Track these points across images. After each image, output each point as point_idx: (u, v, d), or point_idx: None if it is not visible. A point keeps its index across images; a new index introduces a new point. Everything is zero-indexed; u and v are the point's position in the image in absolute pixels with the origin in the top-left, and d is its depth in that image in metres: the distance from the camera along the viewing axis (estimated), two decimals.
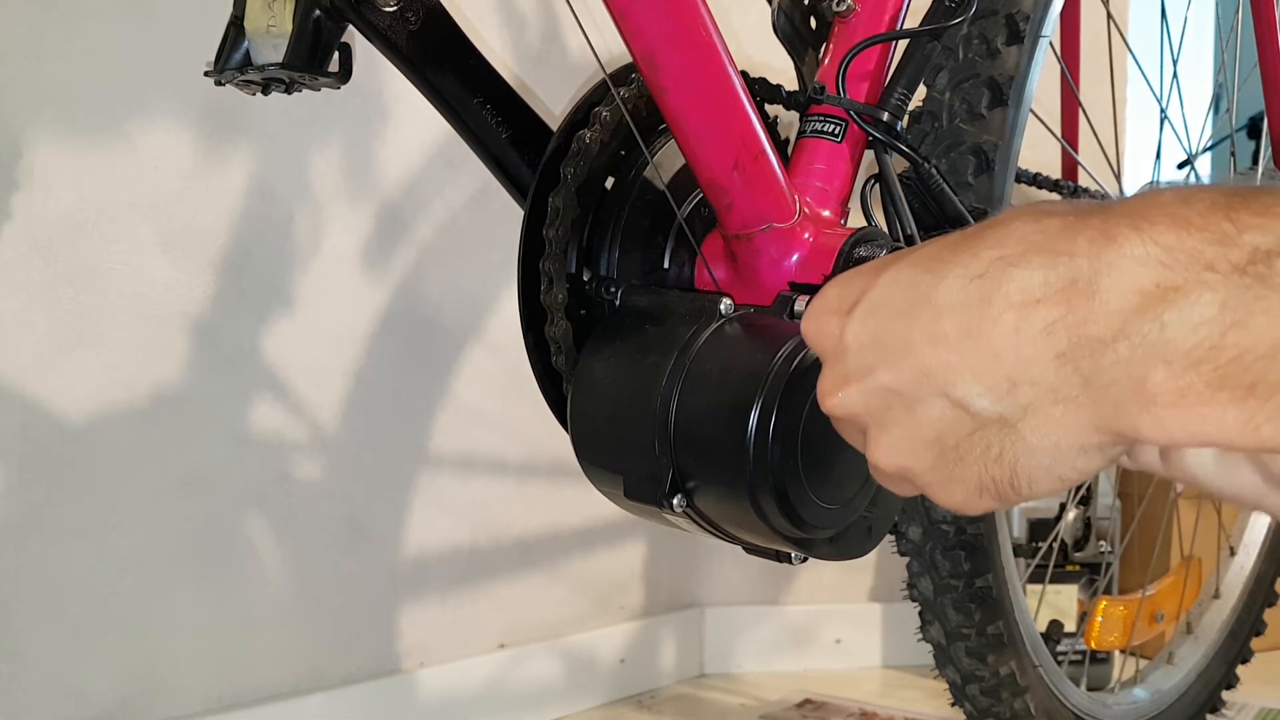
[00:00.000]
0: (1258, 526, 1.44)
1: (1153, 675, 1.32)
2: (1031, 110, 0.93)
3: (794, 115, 0.75)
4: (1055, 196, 1.34)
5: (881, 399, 0.40)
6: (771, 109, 0.74)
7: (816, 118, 0.73)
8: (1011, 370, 0.36)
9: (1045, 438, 0.36)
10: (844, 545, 0.63)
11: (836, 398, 0.42)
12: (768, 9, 0.78)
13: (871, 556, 1.43)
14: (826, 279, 0.65)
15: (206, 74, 0.68)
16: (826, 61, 0.76)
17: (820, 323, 0.43)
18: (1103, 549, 1.51)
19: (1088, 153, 1.33)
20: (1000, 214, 0.38)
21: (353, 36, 0.66)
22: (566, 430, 0.66)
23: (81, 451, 1.04)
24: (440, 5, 0.65)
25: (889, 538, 0.99)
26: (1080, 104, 1.28)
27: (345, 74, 0.67)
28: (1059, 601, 1.47)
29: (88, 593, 1.05)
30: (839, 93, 0.69)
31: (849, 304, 0.41)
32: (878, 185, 0.70)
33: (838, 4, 0.76)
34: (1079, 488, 1.47)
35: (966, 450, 0.38)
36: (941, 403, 0.38)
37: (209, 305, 1.11)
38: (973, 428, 0.38)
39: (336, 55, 0.66)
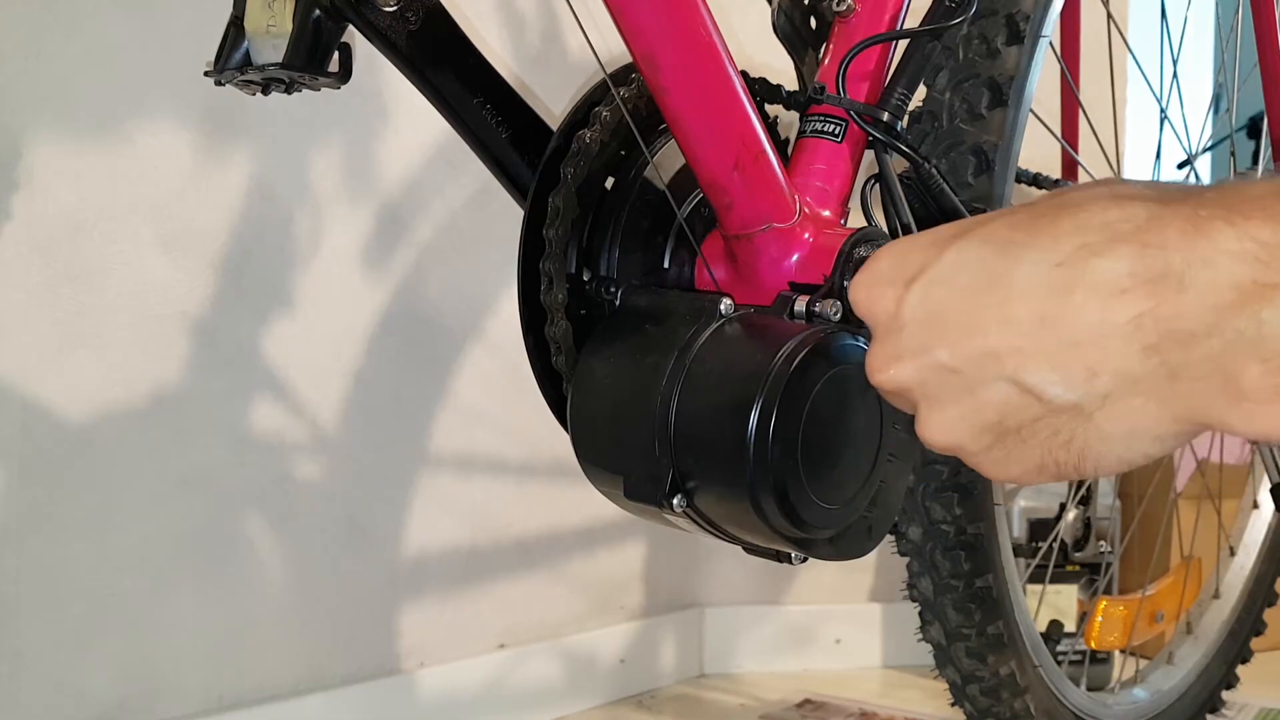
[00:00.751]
0: (1258, 526, 1.44)
1: (1153, 675, 1.32)
2: (1031, 110, 0.93)
3: (794, 115, 0.75)
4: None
5: (937, 377, 0.39)
6: (771, 109, 0.74)
7: (816, 118, 0.73)
8: (1093, 360, 0.35)
9: (1122, 426, 0.36)
10: (844, 545, 0.63)
11: (888, 373, 0.41)
12: (768, 9, 0.78)
13: (871, 556, 1.43)
14: (827, 279, 0.65)
15: (206, 74, 0.68)
16: (826, 61, 0.76)
17: (873, 292, 0.41)
18: (1103, 549, 1.51)
19: (1088, 153, 1.33)
20: (1073, 191, 0.37)
21: (353, 36, 0.66)
22: (566, 430, 0.66)
23: (81, 451, 1.04)
24: (440, 5, 0.65)
25: (889, 538, 0.99)
26: (1080, 104, 1.28)
27: (345, 74, 0.67)
28: (1059, 601, 1.47)
29: (88, 593, 1.05)
30: (839, 93, 0.69)
31: (907, 276, 0.40)
32: (878, 185, 0.70)
33: (838, 4, 0.76)
34: (1079, 488, 1.47)
35: (1031, 434, 0.38)
36: (1007, 387, 0.37)
37: (209, 305, 1.11)
38: (1041, 413, 0.37)
39: (336, 55, 0.66)
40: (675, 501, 0.60)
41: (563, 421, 0.67)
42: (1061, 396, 0.36)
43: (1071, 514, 1.50)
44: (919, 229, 0.70)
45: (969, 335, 0.37)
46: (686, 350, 0.61)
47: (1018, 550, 1.42)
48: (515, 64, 1.34)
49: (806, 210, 0.67)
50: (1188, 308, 0.33)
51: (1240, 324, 0.32)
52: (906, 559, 1.01)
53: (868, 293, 0.42)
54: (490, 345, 1.33)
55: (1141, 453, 0.36)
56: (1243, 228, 0.33)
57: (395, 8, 0.63)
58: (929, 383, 0.39)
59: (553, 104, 0.76)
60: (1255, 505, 1.46)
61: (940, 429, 0.40)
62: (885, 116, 0.71)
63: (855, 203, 0.73)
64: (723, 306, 0.62)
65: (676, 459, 0.60)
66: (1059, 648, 1.43)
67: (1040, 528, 1.51)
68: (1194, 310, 0.33)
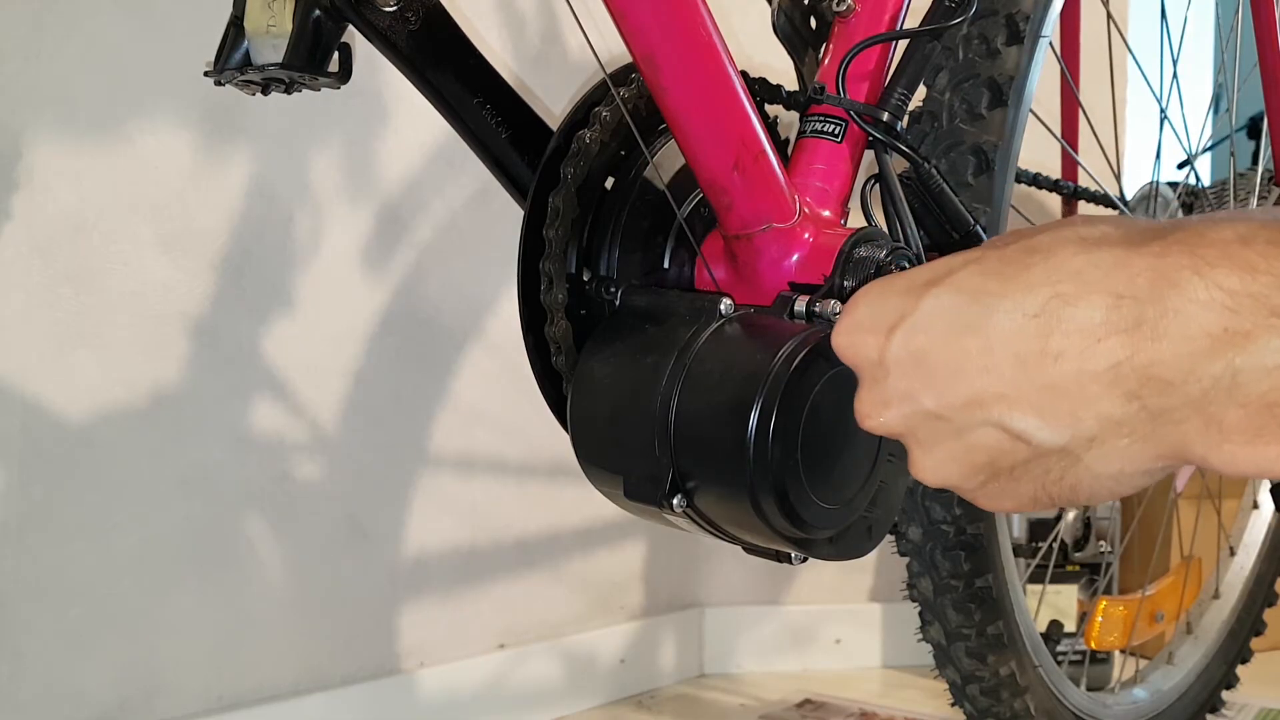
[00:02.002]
0: (1258, 526, 1.44)
1: (1153, 675, 1.32)
2: (1031, 110, 0.93)
3: (794, 115, 0.75)
4: (1055, 196, 1.34)
5: (925, 423, 0.40)
6: (771, 109, 0.74)
7: (816, 118, 0.73)
8: (1075, 405, 0.36)
9: (1110, 466, 0.37)
10: (844, 545, 0.63)
11: (878, 420, 0.42)
12: (768, 9, 0.78)
13: (871, 556, 1.43)
14: (827, 279, 0.65)
15: (206, 74, 0.68)
16: (826, 61, 0.76)
17: (854, 339, 0.42)
18: (1103, 549, 1.51)
19: (1088, 153, 1.33)
20: (1039, 235, 0.37)
21: (353, 36, 0.66)
22: (566, 430, 0.66)
23: (81, 451, 1.04)
24: (440, 5, 0.65)
25: (889, 538, 0.99)
26: (1080, 104, 1.28)
27: (345, 74, 0.67)
28: (1059, 601, 1.47)
29: (88, 593, 1.05)
30: (839, 93, 0.69)
31: (886, 324, 0.41)
32: (878, 185, 0.70)
33: (838, 4, 0.76)
34: None
35: (1023, 473, 0.39)
36: (995, 432, 0.38)
37: (209, 305, 1.11)
38: (1030, 455, 0.38)
39: (336, 55, 0.66)
40: (675, 501, 0.60)
41: (563, 421, 0.67)
42: (1049, 440, 0.37)
43: (1071, 514, 1.50)
44: (919, 229, 0.70)
45: (952, 383, 0.38)
46: (686, 350, 0.61)
47: (1018, 550, 1.42)
48: (515, 64, 1.34)
49: (806, 210, 0.67)
50: (1163, 356, 0.34)
51: (1215, 371, 0.33)
52: (906, 559, 1.01)
53: (849, 340, 0.43)
54: (490, 345, 1.33)
55: (1131, 485, 0.37)
56: (1209, 276, 0.33)
57: (395, 8, 0.63)
58: (918, 429, 0.41)
59: (553, 104, 0.76)
60: (1255, 505, 1.46)
61: (932, 470, 0.41)
62: (885, 116, 0.71)
63: (855, 203, 0.73)
64: (723, 306, 0.62)
65: (676, 459, 0.60)
66: (1059, 648, 1.43)
67: (1040, 528, 1.51)
68: (1170, 359, 0.34)
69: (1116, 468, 0.37)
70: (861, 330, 0.42)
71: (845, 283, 0.64)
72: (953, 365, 0.38)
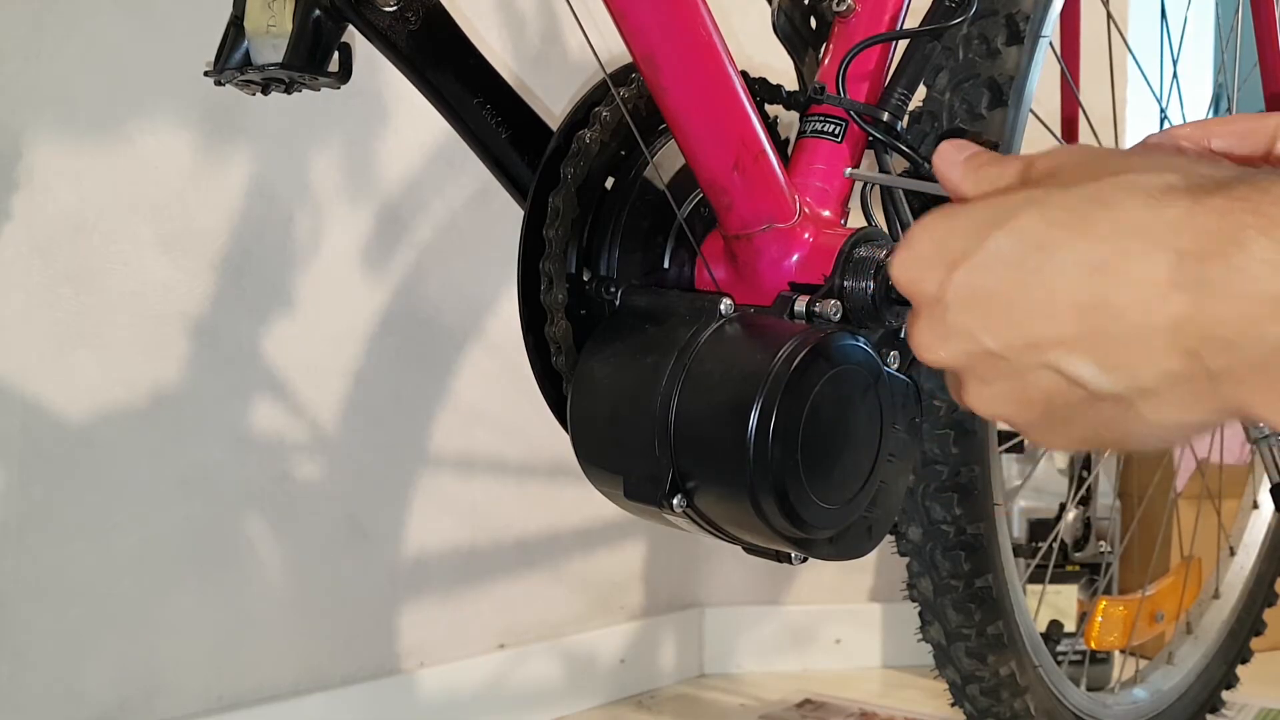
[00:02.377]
0: (1258, 526, 1.44)
1: (1153, 675, 1.32)
2: (1031, 110, 0.93)
3: (794, 115, 0.75)
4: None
5: (983, 360, 0.40)
6: (771, 109, 0.74)
7: (816, 118, 0.73)
8: (1134, 358, 0.36)
9: (1165, 416, 0.37)
10: (844, 545, 0.63)
11: (936, 353, 0.42)
12: (768, 9, 0.78)
13: (871, 556, 1.43)
14: (827, 279, 0.65)
15: (206, 74, 0.68)
16: (826, 61, 0.76)
17: (913, 273, 0.42)
18: (1103, 549, 1.51)
19: None
20: (1104, 182, 0.37)
21: (353, 36, 0.66)
22: (566, 430, 0.66)
23: (81, 451, 1.04)
24: (440, 5, 0.65)
25: (889, 538, 0.99)
26: (1080, 104, 1.28)
27: (345, 74, 0.67)
28: (1059, 601, 1.47)
29: (88, 593, 1.05)
30: (839, 93, 0.69)
31: (947, 260, 0.40)
32: (878, 185, 0.70)
33: (838, 4, 0.76)
34: (1078, 488, 1.47)
35: (1077, 414, 0.39)
36: (1052, 375, 0.38)
37: (209, 305, 1.11)
38: (1085, 400, 0.38)
39: (336, 55, 0.66)
40: (675, 501, 0.60)
41: (563, 422, 0.67)
42: (1106, 387, 0.37)
43: (1071, 514, 1.50)
44: None
45: (1013, 325, 0.39)
46: (686, 350, 0.61)
47: (1018, 550, 1.42)
48: (515, 64, 1.34)
49: (806, 210, 0.67)
50: (1226, 316, 0.34)
51: (1277, 332, 0.33)
52: (906, 559, 1.01)
53: (910, 273, 0.42)
54: (490, 345, 1.33)
55: (1184, 436, 0.38)
56: (1274, 235, 0.33)
57: (395, 8, 0.63)
58: (975, 365, 0.41)
59: (553, 104, 0.76)
60: (1255, 505, 1.46)
61: (986, 403, 0.41)
62: (885, 116, 0.71)
63: (855, 203, 0.73)
64: (723, 306, 0.62)
65: (676, 459, 0.60)
66: (1059, 648, 1.43)
67: (1040, 528, 1.51)
68: (1232, 319, 0.34)
69: (1172, 419, 0.37)
70: (922, 263, 0.42)
71: (845, 283, 0.64)
72: (1014, 308, 0.38)
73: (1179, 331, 0.35)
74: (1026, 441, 1.50)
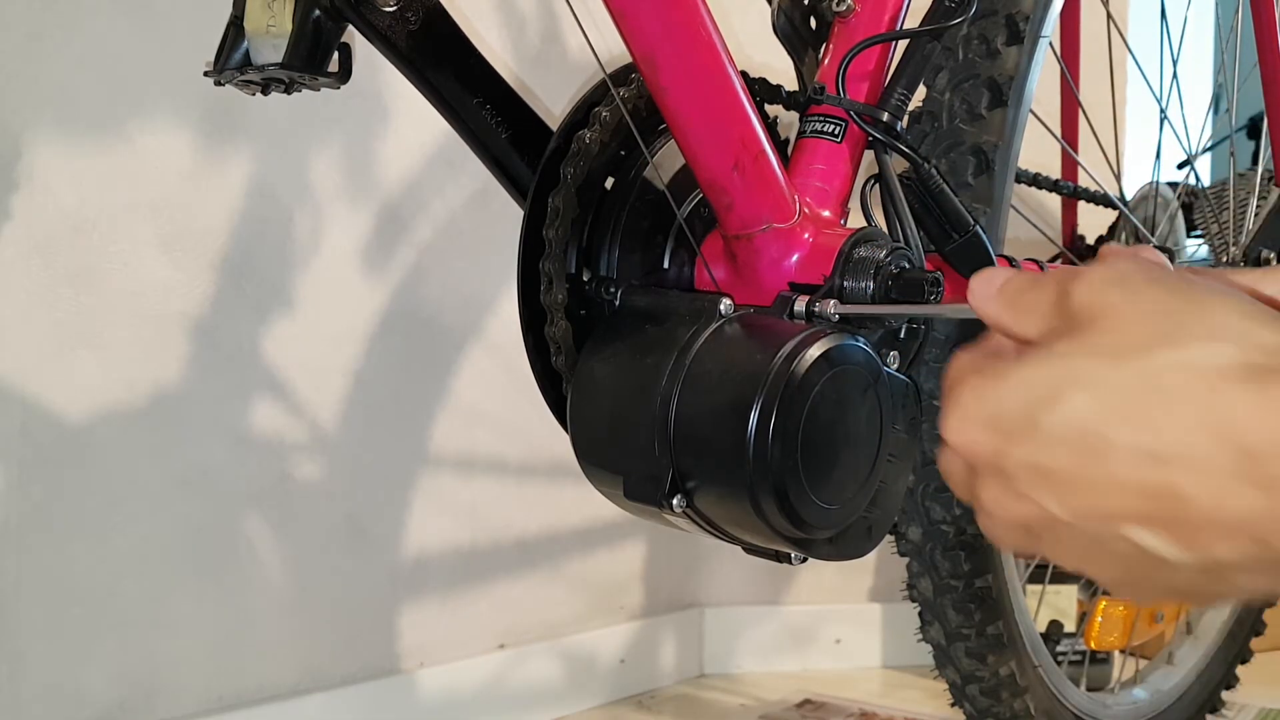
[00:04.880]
0: None
1: (1152, 675, 1.32)
2: (1031, 110, 0.93)
3: (794, 115, 0.75)
4: (1055, 197, 1.34)
5: (1053, 525, 0.39)
6: (771, 109, 0.74)
7: (816, 118, 0.73)
8: (1209, 541, 0.36)
9: (1246, 584, 0.37)
10: (844, 545, 0.63)
11: (1003, 516, 0.41)
12: (768, 9, 0.78)
13: (871, 557, 1.43)
14: (826, 279, 0.65)
15: (206, 74, 0.68)
16: (826, 61, 0.76)
17: (969, 438, 0.41)
18: None
19: (1088, 153, 1.33)
20: (1155, 355, 0.36)
21: (353, 36, 0.66)
22: (566, 430, 0.66)
23: (81, 451, 1.04)
24: (440, 5, 0.65)
25: (889, 538, 0.99)
26: (1080, 104, 1.28)
27: (345, 74, 0.67)
28: (1059, 601, 1.47)
29: (88, 593, 1.05)
30: (839, 93, 0.69)
31: (1003, 430, 0.39)
32: (878, 185, 0.70)
33: (838, 4, 0.76)
34: None
35: (1159, 576, 0.38)
36: (1126, 545, 0.38)
37: (209, 305, 1.11)
38: (1165, 565, 0.37)
39: (336, 55, 0.66)
40: (675, 502, 0.60)
41: (562, 422, 0.67)
42: (1183, 561, 0.37)
43: None
44: (919, 229, 0.70)
45: (1082, 501, 0.38)
46: (686, 350, 0.61)
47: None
48: (515, 64, 1.34)
49: (806, 210, 0.67)
50: None
51: None
52: (906, 559, 1.01)
53: (963, 437, 0.41)
54: (490, 345, 1.33)
55: (1267, 595, 0.38)
56: None
57: (395, 8, 0.63)
58: (1045, 529, 0.40)
59: (553, 104, 0.76)
60: None
61: (1063, 558, 0.41)
62: (885, 116, 0.71)
63: (855, 203, 0.73)
64: (722, 307, 0.62)
65: (676, 459, 0.60)
66: (1059, 648, 1.43)
67: None
68: None
69: (1253, 586, 0.37)
70: (975, 428, 0.40)
71: (845, 283, 0.64)
72: (1080, 486, 0.37)
73: (1253, 525, 0.34)
74: None
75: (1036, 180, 1.21)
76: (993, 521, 0.42)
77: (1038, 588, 1.42)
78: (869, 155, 0.73)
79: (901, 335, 0.69)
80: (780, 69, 0.81)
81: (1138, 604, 0.41)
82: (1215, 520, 0.35)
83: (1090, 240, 1.44)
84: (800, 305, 0.62)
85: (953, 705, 1.08)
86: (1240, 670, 1.37)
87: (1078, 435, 0.37)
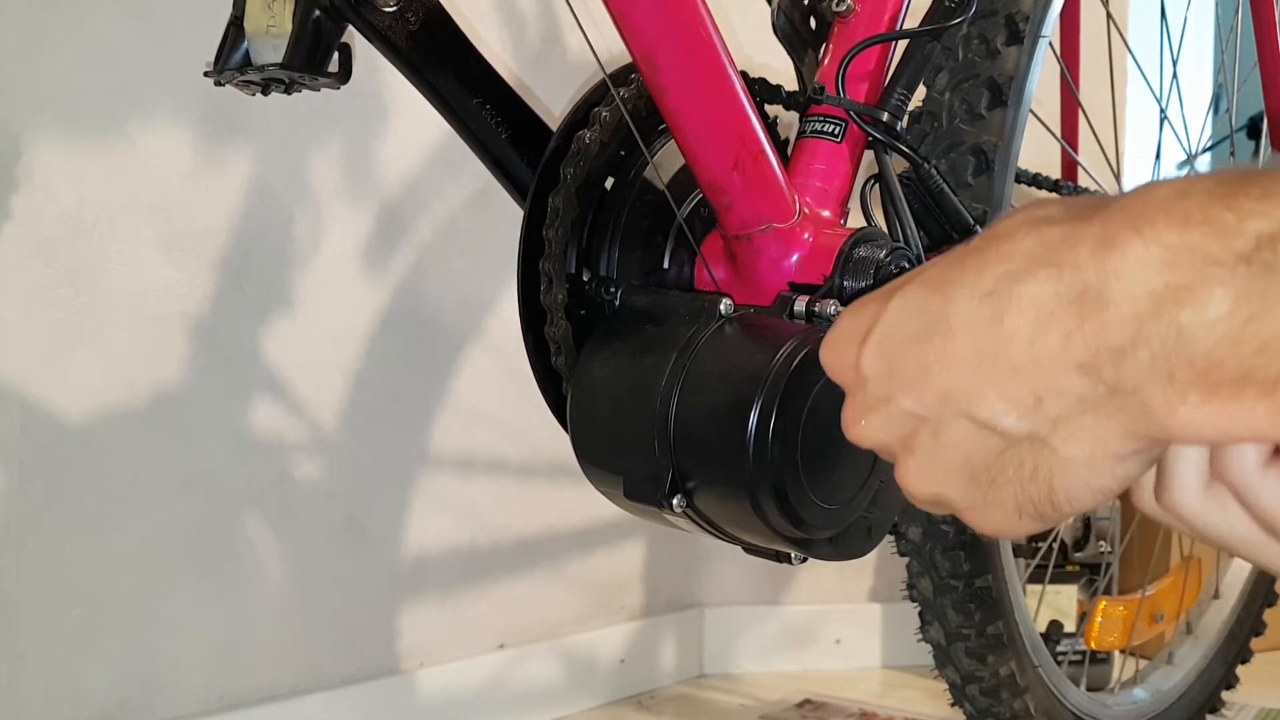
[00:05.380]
0: None
1: (1152, 675, 1.32)
2: (1031, 110, 0.93)
3: (794, 115, 0.75)
4: (1054, 196, 1.34)
5: (905, 425, 0.40)
6: (771, 109, 0.74)
7: (816, 118, 0.73)
8: (1035, 385, 0.35)
9: (1079, 449, 0.36)
10: (844, 545, 0.63)
11: (859, 427, 0.41)
12: (768, 9, 0.78)
13: (871, 557, 1.43)
14: (826, 279, 0.65)
15: (206, 74, 0.68)
16: (826, 61, 0.76)
17: (836, 353, 0.42)
18: (1103, 549, 1.51)
19: (1088, 153, 1.33)
20: (1000, 222, 0.38)
21: (352, 36, 0.66)
22: (566, 430, 0.66)
23: (81, 451, 1.04)
24: (440, 5, 0.65)
25: (889, 538, 0.99)
26: (1080, 104, 1.28)
27: (345, 74, 0.67)
28: (1059, 601, 1.47)
29: (88, 593, 1.05)
30: (839, 93, 0.69)
31: (862, 332, 0.41)
32: (878, 185, 0.70)
33: (838, 4, 0.76)
34: None
35: (998, 471, 0.38)
36: (966, 424, 0.38)
37: (209, 305, 1.11)
38: (1002, 447, 0.37)
39: (336, 55, 0.66)
40: (675, 501, 0.60)
41: (562, 422, 0.67)
42: (1015, 426, 0.36)
43: None
44: (919, 229, 0.70)
45: (921, 379, 0.38)
46: (686, 350, 0.61)
47: (1018, 550, 1.42)
48: (515, 64, 1.34)
49: (806, 210, 0.67)
50: (1110, 322, 0.33)
51: (1162, 330, 0.33)
52: (906, 559, 1.01)
53: (831, 354, 0.43)
54: (490, 345, 1.33)
55: (1109, 475, 0.36)
56: (1148, 234, 0.33)
57: (395, 8, 0.63)
58: (898, 433, 0.40)
59: (553, 104, 0.76)
60: None
61: (917, 478, 0.40)
62: (885, 117, 0.71)
63: (855, 203, 0.73)
64: (722, 307, 0.62)
65: (676, 459, 0.60)
66: (1059, 648, 1.43)
67: None
68: (1116, 324, 0.33)
69: (1085, 451, 0.36)
70: (840, 342, 0.42)
71: (845, 283, 0.64)
72: (921, 362, 0.38)
73: (1070, 347, 0.34)
74: None
75: (1036, 180, 1.21)
76: (853, 434, 0.42)
77: (1038, 588, 1.42)
78: (869, 155, 0.73)
79: None
80: (780, 69, 0.81)
81: (996, 527, 0.39)
82: (1040, 355, 0.35)
83: None
84: (800, 305, 0.62)
85: (953, 705, 1.08)
86: (1240, 670, 1.37)
87: (915, 305, 0.38)
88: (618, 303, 0.66)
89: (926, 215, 0.71)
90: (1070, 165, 1.37)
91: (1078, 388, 0.35)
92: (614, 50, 0.66)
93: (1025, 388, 0.35)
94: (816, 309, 0.62)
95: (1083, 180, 1.33)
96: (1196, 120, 2.27)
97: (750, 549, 0.65)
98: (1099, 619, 1.21)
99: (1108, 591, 1.48)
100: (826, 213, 0.70)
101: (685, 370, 0.60)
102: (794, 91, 0.75)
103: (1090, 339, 0.34)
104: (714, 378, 0.59)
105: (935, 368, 0.37)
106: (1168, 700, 1.29)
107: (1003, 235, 0.37)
